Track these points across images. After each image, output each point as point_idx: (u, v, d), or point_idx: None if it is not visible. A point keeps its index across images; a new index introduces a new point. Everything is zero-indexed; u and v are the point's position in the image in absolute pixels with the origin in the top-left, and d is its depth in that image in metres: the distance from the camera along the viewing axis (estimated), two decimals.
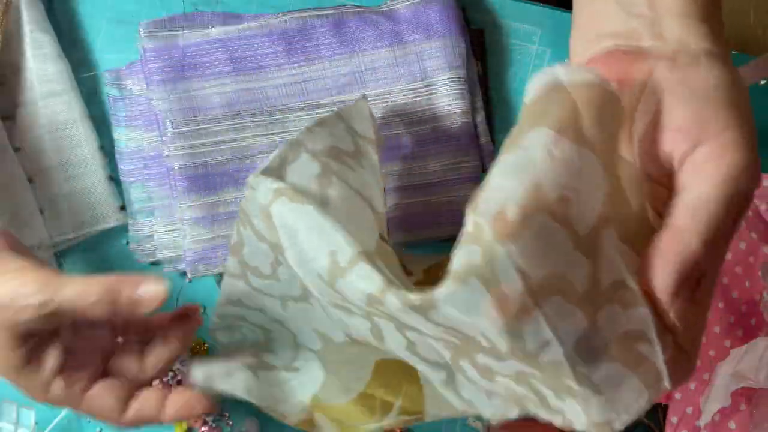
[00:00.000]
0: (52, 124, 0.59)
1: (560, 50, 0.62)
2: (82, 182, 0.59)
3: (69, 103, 0.59)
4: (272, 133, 0.59)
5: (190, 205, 0.57)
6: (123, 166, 0.60)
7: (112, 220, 0.60)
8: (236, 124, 0.58)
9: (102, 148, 0.61)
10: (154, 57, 0.58)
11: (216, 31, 0.59)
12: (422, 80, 0.59)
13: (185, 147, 0.57)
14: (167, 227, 0.59)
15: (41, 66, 0.59)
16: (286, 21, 0.59)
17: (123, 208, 0.61)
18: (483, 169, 0.60)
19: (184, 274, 0.60)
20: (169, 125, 0.57)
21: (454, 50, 0.58)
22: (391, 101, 0.59)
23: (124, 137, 0.60)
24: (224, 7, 0.62)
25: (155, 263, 0.60)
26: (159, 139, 0.59)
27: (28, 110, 0.59)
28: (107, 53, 0.62)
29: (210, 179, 0.58)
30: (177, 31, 0.59)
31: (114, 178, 0.61)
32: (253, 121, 0.58)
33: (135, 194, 0.60)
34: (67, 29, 0.62)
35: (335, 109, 0.57)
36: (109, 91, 0.61)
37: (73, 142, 0.59)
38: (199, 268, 0.58)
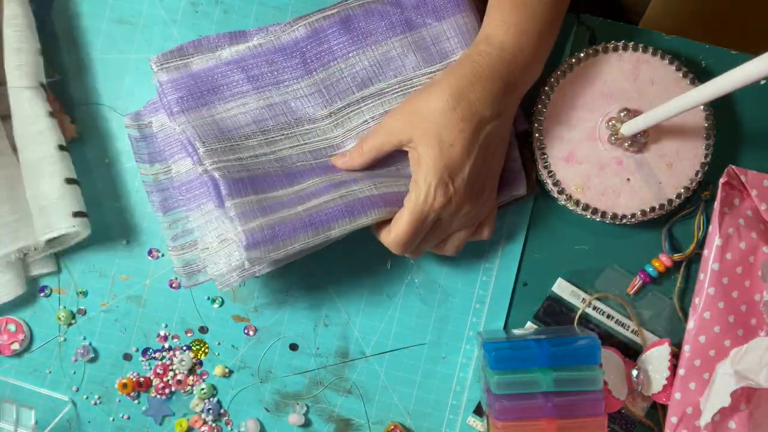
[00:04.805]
0: (21, 119, 0.57)
1: (559, 49, 0.62)
2: (41, 184, 0.56)
3: (34, 100, 0.57)
4: (306, 143, 0.58)
5: (236, 203, 0.52)
6: (155, 198, 0.59)
7: (66, 226, 0.56)
8: (267, 138, 0.57)
9: (62, 147, 0.57)
10: (171, 88, 0.56)
11: (227, 53, 0.58)
12: (441, 62, 0.58)
13: (221, 161, 0.54)
14: (217, 240, 0.57)
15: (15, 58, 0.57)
16: (294, 30, 0.58)
17: (79, 214, 0.57)
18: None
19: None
20: (199, 145, 0.54)
21: (467, 27, 0.58)
22: (414, 87, 0.58)
23: (150, 172, 0.59)
24: (224, 7, 0.62)
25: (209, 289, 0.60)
26: (191, 164, 0.58)
27: None
28: (107, 53, 0.62)
29: (255, 183, 0.54)
30: (188, 58, 0.57)
31: (113, 179, 0.61)
32: (283, 135, 0.57)
33: (172, 221, 0.59)
34: (67, 29, 0.62)
35: (360, 107, 0.58)
36: (130, 132, 0.60)
37: (39, 139, 0.57)
38: (257, 253, 0.51)
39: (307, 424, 0.62)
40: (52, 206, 0.56)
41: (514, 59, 0.53)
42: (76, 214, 0.56)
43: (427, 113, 0.51)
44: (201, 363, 0.62)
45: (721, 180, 0.59)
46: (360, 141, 0.56)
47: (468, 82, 0.52)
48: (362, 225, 0.53)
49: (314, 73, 0.58)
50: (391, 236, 0.53)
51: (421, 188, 0.51)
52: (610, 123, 0.59)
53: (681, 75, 0.60)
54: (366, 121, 0.58)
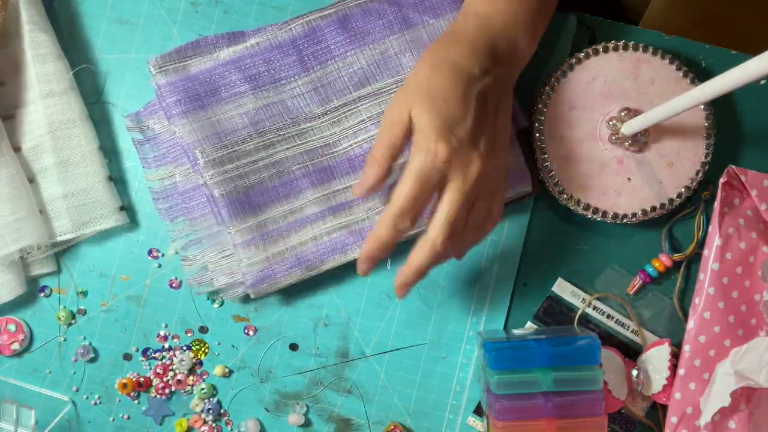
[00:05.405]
0: (52, 124, 0.59)
1: (560, 49, 0.62)
2: (82, 182, 0.59)
3: (68, 103, 0.59)
4: (302, 143, 0.58)
5: (239, 229, 0.57)
6: (161, 206, 0.60)
7: (112, 221, 0.60)
8: (264, 141, 0.57)
9: (101, 148, 0.61)
10: (169, 91, 0.57)
11: (225, 53, 0.58)
12: None
13: (220, 173, 0.56)
14: (220, 255, 0.59)
15: (40, 66, 0.58)
16: (291, 29, 0.58)
17: (123, 208, 0.61)
18: None
19: (247, 297, 0.60)
20: (199, 155, 0.56)
21: None
22: None
23: (156, 177, 0.60)
24: (224, 7, 0.62)
25: (214, 292, 0.61)
26: (192, 171, 0.58)
27: (28, 110, 0.59)
28: (107, 53, 0.62)
29: (252, 200, 0.57)
30: (186, 60, 0.58)
31: (114, 179, 0.61)
32: (280, 135, 0.58)
33: (180, 229, 0.60)
34: (67, 29, 0.62)
35: (357, 106, 0.58)
36: (132, 135, 0.60)
37: (73, 143, 0.59)
38: (261, 288, 0.58)
39: (307, 424, 0.62)
40: (99, 202, 0.60)
41: (491, 20, 0.53)
42: (121, 209, 0.61)
43: (416, 83, 0.50)
44: (201, 363, 0.62)
45: (721, 180, 0.59)
46: (369, 157, 0.53)
47: (447, 45, 0.52)
48: (354, 257, 0.57)
49: (311, 71, 0.58)
50: (391, 203, 0.49)
51: (422, 146, 0.48)
52: (610, 122, 0.59)
53: (681, 74, 0.60)
54: (363, 120, 0.58)
